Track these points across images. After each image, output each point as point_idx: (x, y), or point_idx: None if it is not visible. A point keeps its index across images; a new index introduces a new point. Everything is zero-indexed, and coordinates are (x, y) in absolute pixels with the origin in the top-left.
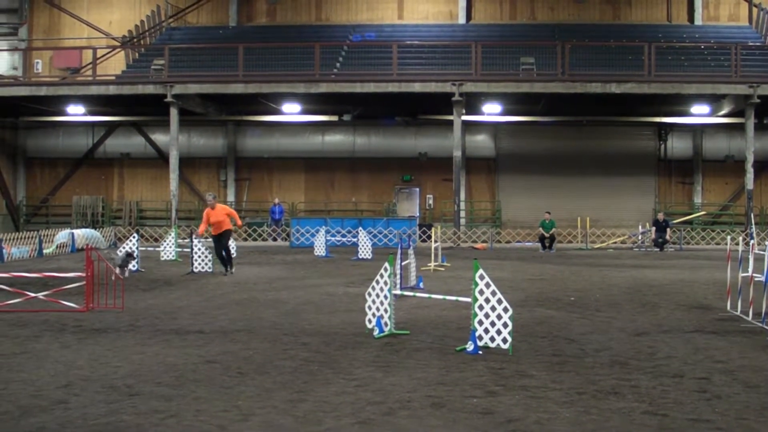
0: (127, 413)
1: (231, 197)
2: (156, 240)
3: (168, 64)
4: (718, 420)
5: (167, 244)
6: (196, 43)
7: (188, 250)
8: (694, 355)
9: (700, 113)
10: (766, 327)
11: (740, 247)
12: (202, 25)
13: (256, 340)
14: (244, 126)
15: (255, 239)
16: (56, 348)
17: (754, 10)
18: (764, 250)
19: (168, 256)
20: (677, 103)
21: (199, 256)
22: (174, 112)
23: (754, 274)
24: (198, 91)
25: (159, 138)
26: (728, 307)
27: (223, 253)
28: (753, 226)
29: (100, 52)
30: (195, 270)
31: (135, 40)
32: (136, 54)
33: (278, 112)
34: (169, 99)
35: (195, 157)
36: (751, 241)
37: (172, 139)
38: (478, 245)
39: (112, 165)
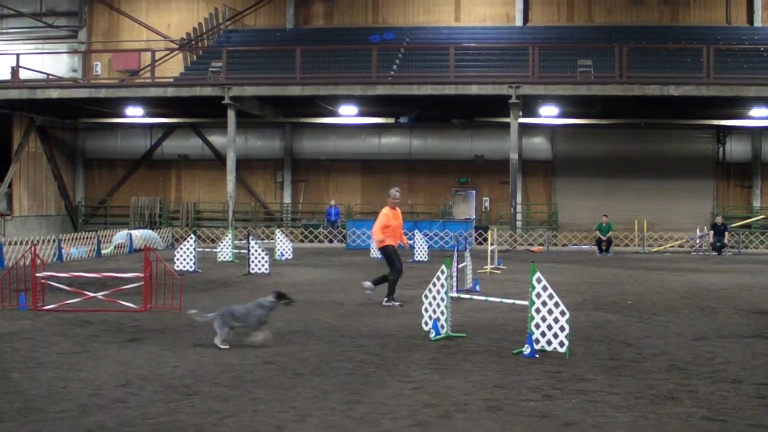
0: (185, 413)
1: (287, 199)
2: (213, 241)
3: (225, 67)
4: None
5: (224, 245)
6: (254, 46)
7: (245, 251)
8: (753, 360)
9: (759, 116)
10: None
11: None
12: (260, 28)
13: (313, 342)
14: (300, 128)
15: (311, 241)
16: (114, 348)
17: None
18: None
19: (225, 257)
20: (736, 106)
21: (256, 258)
22: (231, 114)
23: None
24: (255, 94)
25: (216, 140)
26: None
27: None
28: None
29: (158, 55)
30: (252, 271)
31: (193, 42)
32: (194, 56)
33: (335, 114)
34: (226, 101)
35: (252, 159)
36: None
37: (229, 140)
38: (535, 248)
39: (170, 166)
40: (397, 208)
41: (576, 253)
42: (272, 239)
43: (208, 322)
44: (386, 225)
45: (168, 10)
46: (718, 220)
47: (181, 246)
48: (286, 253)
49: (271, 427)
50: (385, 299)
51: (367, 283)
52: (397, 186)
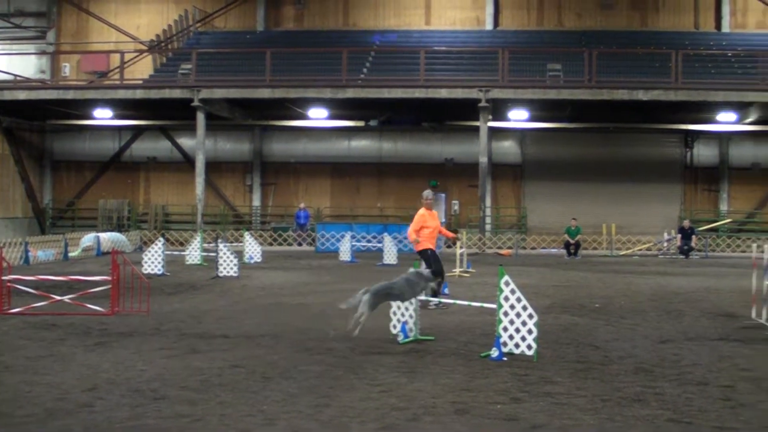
0: (151, 417)
1: (257, 202)
2: (182, 244)
3: (195, 69)
4: (742, 428)
5: (193, 248)
6: (224, 48)
7: (214, 254)
8: (719, 363)
9: (726, 121)
10: None
11: (766, 255)
12: (230, 30)
13: (281, 345)
14: (270, 131)
15: (280, 244)
16: (81, 351)
17: None
18: None
19: (193, 260)
20: (704, 111)
21: (225, 261)
22: (201, 117)
23: None
24: (225, 96)
25: (185, 142)
26: (753, 315)
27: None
28: None
29: (127, 56)
30: (220, 274)
31: (162, 44)
32: (164, 58)
33: (305, 117)
34: (195, 103)
35: (221, 162)
36: None
37: (198, 143)
38: (504, 251)
39: (139, 169)
40: (434, 210)
41: (545, 257)
42: (241, 242)
43: (358, 301)
44: (423, 226)
45: (137, 12)
46: (686, 223)
47: (150, 249)
48: (255, 256)
49: (239, 431)
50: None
51: (432, 303)
52: (367, 189)
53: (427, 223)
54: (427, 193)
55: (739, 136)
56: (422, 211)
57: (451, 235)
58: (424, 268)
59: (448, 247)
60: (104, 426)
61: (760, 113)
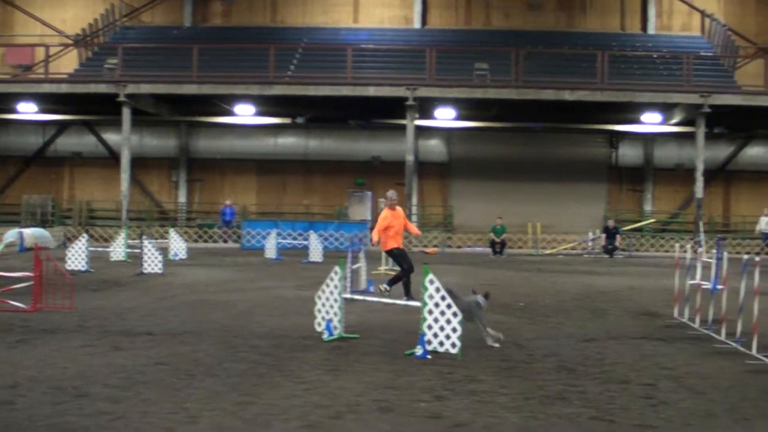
0: (74, 415)
1: (182, 198)
2: (106, 240)
3: (121, 64)
4: (663, 426)
5: (117, 245)
6: (150, 43)
7: (138, 250)
8: (641, 362)
9: (651, 122)
10: (712, 334)
11: (688, 255)
12: (157, 25)
13: (206, 343)
14: (196, 127)
15: (206, 241)
16: (3, 348)
17: (707, 20)
18: (711, 258)
19: (118, 257)
20: (629, 111)
21: (149, 257)
22: (126, 112)
23: (702, 282)
24: (151, 91)
25: (111, 138)
26: (675, 314)
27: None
28: (701, 235)
29: (52, 50)
30: (145, 271)
31: (88, 38)
32: (90, 53)
33: (231, 114)
34: (121, 99)
35: (147, 158)
36: (699, 249)
37: (123, 139)
38: (429, 249)
39: (63, 164)
40: (397, 208)
41: (470, 255)
42: (166, 239)
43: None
44: (387, 227)
45: (63, 5)
46: (610, 223)
47: (74, 245)
48: (180, 252)
49: (162, 429)
50: (385, 284)
51: (384, 285)
52: (293, 187)
53: (391, 223)
54: (391, 193)
55: (663, 137)
56: (385, 212)
57: (416, 231)
58: (480, 298)
59: (374, 245)
60: (25, 424)
61: (684, 114)
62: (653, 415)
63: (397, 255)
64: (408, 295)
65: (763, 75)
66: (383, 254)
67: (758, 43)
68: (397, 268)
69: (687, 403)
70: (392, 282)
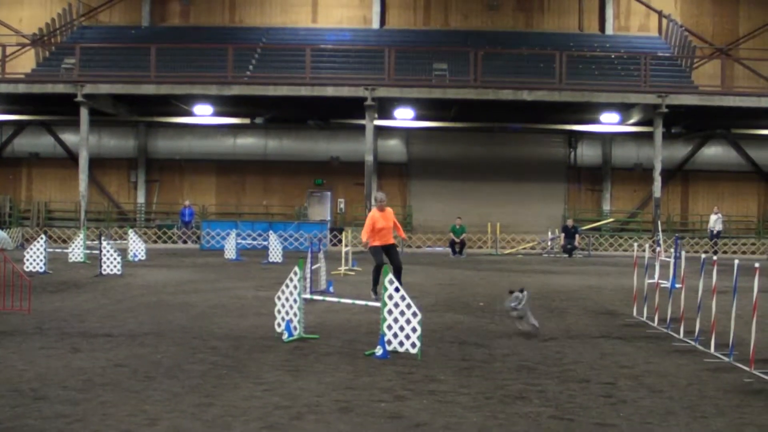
0: (32, 417)
1: (141, 199)
2: (64, 241)
3: (79, 64)
4: (622, 424)
5: (76, 246)
6: (108, 43)
7: (97, 251)
8: (601, 360)
9: (609, 122)
10: (671, 333)
11: (647, 254)
12: (114, 25)
13: (165, 344)
14: (155, 127)
15: (165, 242)
16: None
17: (664, 21)
18: (670, 257)
19: (76, 258)
20: (588, 112)
21: (108, 258)
22: (84, 112)
23: (660, 281)
24: (109, 92)
25: (69, 138)
26: (634, 313)
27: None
28: (660, 234)
29: (9, 50)
30: (104, 272)
31: (45, 38)
32: (47, 52)
33: (190, 114)
34: (79, 99)
35: (105, 158)
36: (658, 249)
37: (81, 139)
38: None
39: (21, 165)
40: (387, 209)
41: (430, 255)
42: (125, 240)
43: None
44: (373, 227)
45: (20, 4)
46: (569, 222)
47: (31, 246)
48: (140, 253)
49: (120, 431)
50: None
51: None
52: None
53: (377, 224)
54: (381, 195)
55: (621, 137)
56: (373, 212)
57: (402, 234)
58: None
59: (334, 245)
60: None
61: (642, 115)
62: (613, 414)
63: (373, 252)
64: (375, 288)
65: (720, 75)
66: (343, 254)
67: (715, 44)
68: (357, 268)
69: (646, 402)
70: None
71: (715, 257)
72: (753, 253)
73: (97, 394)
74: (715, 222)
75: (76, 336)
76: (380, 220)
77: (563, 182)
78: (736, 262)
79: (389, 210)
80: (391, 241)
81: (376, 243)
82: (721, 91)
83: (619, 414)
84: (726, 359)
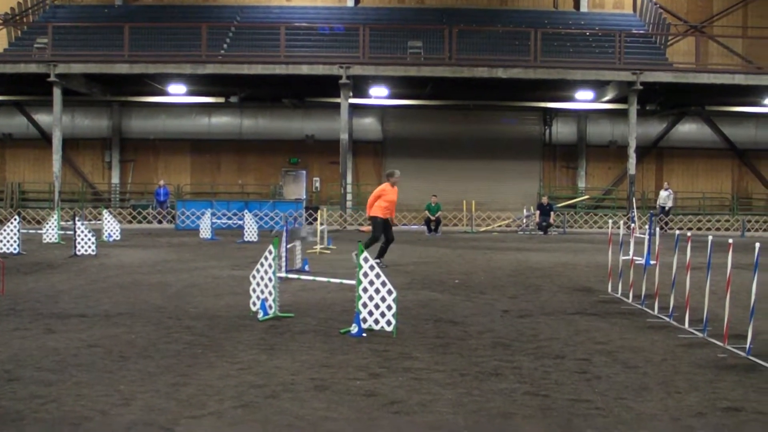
0: (5, 399)
1: (116, 179)
2: (38, 222)
3: (51, 43)
4: (597, 400)
5: (50, 227)
6: (81, 22)
7: (71, 232)
8: (576, 337)
9: (584, 99)
10: (645, 309)
11: (621, 231)
12: (87, 4)
13: (140, 324)
14: (129, 107)
15: (140, 222)
16: None
17: None
18: (644, 234)
19: (50, 239)
20: (562, 89)
21: (83, 239)
22: (57, 92)
23: (635, 257)
24: (82, 71)
25: (42, 118)
26: (609, 290)
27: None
28: (634, 210)
29: None
30: (78, 253)
31: (17, 17)
32: (19, 32)
33: (164, 93)
34: (52, 78)
35: (79, 138)
36: (632, 225)
37: (55, 119)
38: (364, 228)
39: None
40: (395, 188)
41: (405, 233)
42: (100, 220)
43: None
44: (379, 195)
45: None
46: (544, 200)
47: (5, 227)
48: (114, 234)
49: (95, 411)
50: (376, 260)
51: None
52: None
53: (387, 197)
54: (398, 172)
55: (596, 114)
56: (385, 185)
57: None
58: None
59: (309, 224)
60: None
61: (616, 92)
62: (587, 390)
63: (376, 224)
64: (379, 257)
65: (694, 52)
66: (318, 233)
67: (689, 21)
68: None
69: (621, 377)
70: (379, 255)
71: (689, 233)
72: (727, 229)
73: (71, 375)
74: (666, 198)
75: (50, 317)
76: (390, 194)
77: (538, 159)
78: (710, 238)
79: (396, 189)
80: (393, 215)
81: (380, 215)
82: (696, 69)
83: (594, 390)
84: (700, 335)
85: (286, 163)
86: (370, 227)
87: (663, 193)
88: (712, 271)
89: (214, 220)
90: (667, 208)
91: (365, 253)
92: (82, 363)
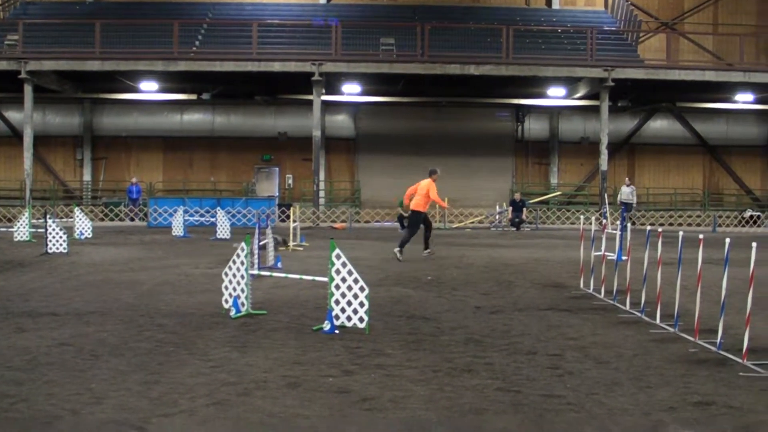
0: None
1: (87, 176)
2: (9, 220)
3: (22, 40)
4: (569, 395)
5: (21, 225)
6: (52, 19)
7: (43, 230)
8: (548, 333)
9: (556, 96)
10: (617, 304)
11: (593, 227)
12: (58, 0)
13: (111, 322)
14: (101, 104)
15: (112, 219)
16: None
17: None
18: (616, 230)
19: (22, 237)
20: (535, 86)
21: (54, 237)
22: (28, 89)
23: (606, 253)
24: (53, 68)
25: (12, 116)
26: (581, 286)
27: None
28: (606, 207)
29: None
30: (49, 251)
31: None
32: None
33: (136, 90)
34: (23, 76)
35: (51, 136)
36: (604, 221)
37: (26, 117)
38: (338, 225)
39: None
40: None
41: (378, 230)
42: (71, 218)
43: None
44: (427, 193)
45: None
46: (517, 196)
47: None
48: (86, 232)
49: (66, 410)
50: (426, 251)
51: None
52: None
53: (432, 192)
54: (438, 169)
55: (568, 111)
56: (429, 181)
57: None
58: None
59: (282, 221)
60: None
61: (588, 88)
62: (559, 385)
63: (416, 217)
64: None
65: (666, 49)
66: (291, 230)
67: (660, 18)
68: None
69: (592, 373)
70: (426, 246)
71: (660, 229)
72: (698, 225)
73: (42, 374)
74: (629, 195)
75: (21, 315)
76: (434, 189)
77: (511, 156)
78: (681, 233)
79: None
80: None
81: (423, 210)
82: (667, 65)
83: (566, 385)
84: (671, 330)
85: (258, 160)
86: (343, 223)
87: (625, 190)
88: (684, 267)
89: (186, 218)
90: (632, 204)
91: (337, 250)
92: (53, 362)
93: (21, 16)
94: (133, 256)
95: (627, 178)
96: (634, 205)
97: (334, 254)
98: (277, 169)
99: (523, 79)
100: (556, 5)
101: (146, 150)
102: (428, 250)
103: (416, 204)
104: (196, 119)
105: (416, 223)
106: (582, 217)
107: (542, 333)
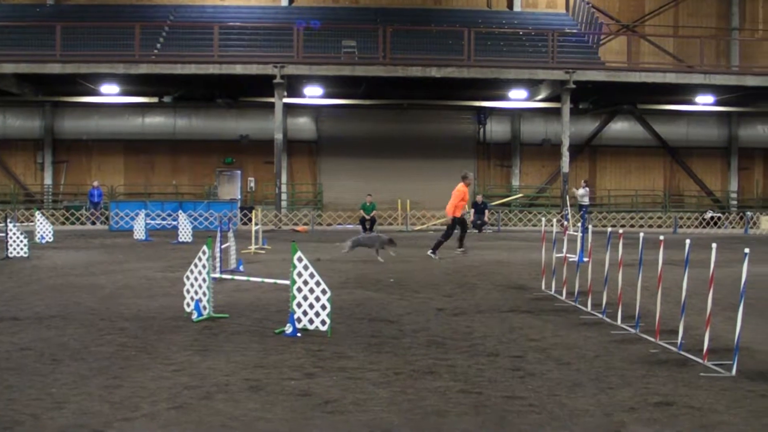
0: None
1: (48, 180)
2: None
3: None
4: (531, 396)
5: None
6: (12, 21)
7: (2, 234)
8: (510, 334)
9: (518, 98)
10: (578, 306)
11: (555, 229)
12: (18, 3)
13: (72, 326)
14: (61, 107)
15: (73, 223)
16: None
17: None
18: (577, 232)
19: None
20: (496, 88)
21: (14, 241)
22: None
23: (568, 255)
24: (13, 71)
25: None
26: (543, 287)
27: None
28: (568, 208)
29: None
30: (10, 255)
31: None
32: None
33: (97, 93)
34: None
35: (11, 139)
36: (566, 223)
37: None
38: (300, 228)
39: None
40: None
41: (341, 233)
42: (32, 222)
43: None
44: (463, 197)
45: None
46: (478, 198)
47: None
48: (47, 235)
49: (26, 415)
50: (459, 249)
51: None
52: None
53: (465, 197)
54: (471, 175)
55: (530, 113)
56: (462, 185)
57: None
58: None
59: (244, 224)
60: None
61: (549, 90)
62: (521, 387)
63: (453, 222)
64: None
65: (626, 51)
66: (253, 233)
67: (621, 21)
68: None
69: (554, 374)
70: (460, 245)
71: (621, 230)
72: (659, 226)
73: (2, 379)
74: (582, 196)
75: None
76: (467, 194)
77: (473, 158)
78: (642, 235)
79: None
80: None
81: (458, 214)
82: (627, 67)
83: (527, 387)
84: (632, 331)
85: (220, 163)
86: (305, 226)
87: (579, 192)
88: (644, 268)
89: (148, 221)
90: (586, 206)
91: (298, 253)
92: (13, 366)
93: None
94: (95, 259)
95: (583, 180)
96: (586, 207)
97: (296, 257)
98: (239, 172)
99: (485, 81)
100: (517, 8)
101: (107, 153)
102: (461, 248)
103: (449, 209)
104: (157, 122)
105: (453, 226)
106: (544, 219)
107: (504, 335)
